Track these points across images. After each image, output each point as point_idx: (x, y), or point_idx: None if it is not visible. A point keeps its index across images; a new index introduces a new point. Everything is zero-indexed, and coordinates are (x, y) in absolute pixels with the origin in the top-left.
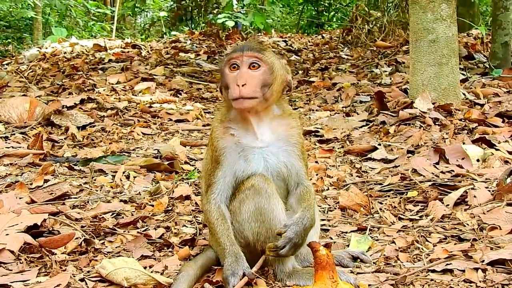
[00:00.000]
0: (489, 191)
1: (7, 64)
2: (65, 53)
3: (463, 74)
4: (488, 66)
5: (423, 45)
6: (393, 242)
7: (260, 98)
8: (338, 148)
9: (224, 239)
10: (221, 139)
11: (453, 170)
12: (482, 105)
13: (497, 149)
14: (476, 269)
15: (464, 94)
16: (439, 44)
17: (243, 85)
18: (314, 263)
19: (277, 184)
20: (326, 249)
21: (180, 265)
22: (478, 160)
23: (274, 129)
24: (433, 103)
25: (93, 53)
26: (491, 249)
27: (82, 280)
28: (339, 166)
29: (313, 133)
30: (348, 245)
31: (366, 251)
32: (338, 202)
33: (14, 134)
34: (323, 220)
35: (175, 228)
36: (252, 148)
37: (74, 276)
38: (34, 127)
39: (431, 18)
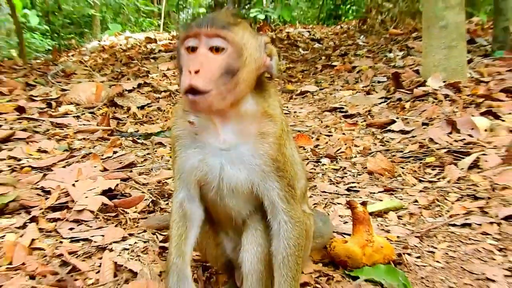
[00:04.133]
0: (498, 156)
1: (72, 56)
2: (121, 45)
3: (467, 56)
4: (489, 49)
5: (435, 31)
6: (416, 201)
7: (216, 90)
8: (361, 122)
9: (171, 247)
10: (177, 125)
11: (464, 139)
12: (487, 83)
13: (503, 120)
14: (492, 223)
15: (470, 73)
16: (449, 30)
17: (196, 72)
18: (352, 219)
19: (236, 205)
20: (363, 206)
21: None
22: (486, 130)
23: (242, 131)
24: (444, 81)
25: (144, 44)
26: (504, 206)
27: (153, 233)
28: (363, 137)
29: (338, 110)
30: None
31: (393, 211)
32: (366, 168)
33: (84, 113)
34: (353, 183)
35: None
36: (210, 145)
37: (145, 231)
38: (101, 107)
39: (442, 6)
